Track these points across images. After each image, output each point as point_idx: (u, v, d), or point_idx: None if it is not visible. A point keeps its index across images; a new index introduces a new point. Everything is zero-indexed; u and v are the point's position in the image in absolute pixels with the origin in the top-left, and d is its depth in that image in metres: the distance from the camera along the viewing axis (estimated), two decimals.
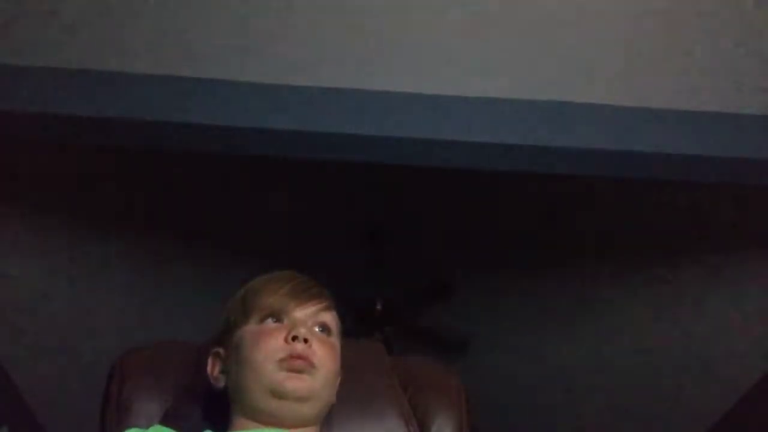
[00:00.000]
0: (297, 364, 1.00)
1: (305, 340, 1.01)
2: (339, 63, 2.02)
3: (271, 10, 1.89)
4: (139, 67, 2.03)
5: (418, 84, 2.06)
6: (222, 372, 1.06)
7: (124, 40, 1.98)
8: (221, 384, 1.06)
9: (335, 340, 1.08)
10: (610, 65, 1.99)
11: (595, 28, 1.91)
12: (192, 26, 1.94)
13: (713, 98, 2.06)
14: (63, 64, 2.02)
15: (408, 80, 2.05)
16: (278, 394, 0.99)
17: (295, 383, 1.00)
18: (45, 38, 1.97)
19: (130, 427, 1.08)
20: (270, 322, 1.05)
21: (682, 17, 1.87)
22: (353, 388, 1.14)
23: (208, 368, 1.08)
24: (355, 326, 2.99)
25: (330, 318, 1.08)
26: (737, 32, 1.89)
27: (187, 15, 1.91)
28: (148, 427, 1.06)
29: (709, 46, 1.93)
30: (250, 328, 1.05)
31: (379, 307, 3.12)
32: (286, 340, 1.01)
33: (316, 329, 1.05)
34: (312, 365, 1.01)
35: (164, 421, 1.09)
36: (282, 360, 1.00)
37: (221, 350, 1.07)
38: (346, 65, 2.02)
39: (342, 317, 1.11)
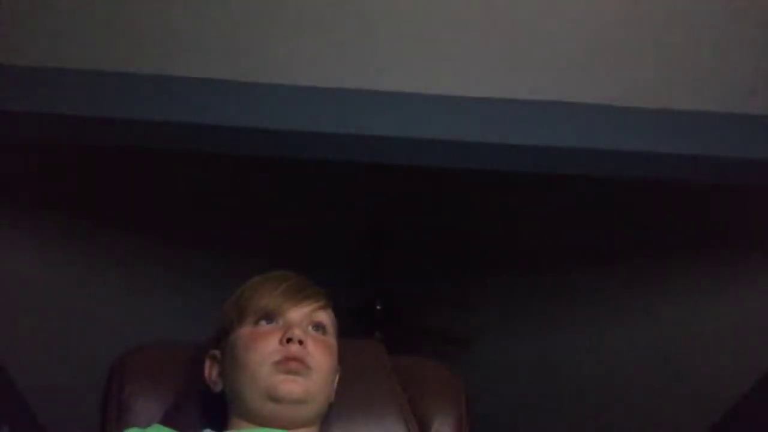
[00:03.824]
0: (292, 366, 0.99)
1: (300, 342, 1.01)
2: (339, 63, 2.02)
3: (272, 9, 1.89)
4: (139, 67, 2.03)
5: (418, 84, 2.06)
6: (219, 375, 1.06)
7: (125, 40, 1.98)
8: (219, 387, 1.05)
9: (331, 338, 1.07)
10: (609, 65, 1.99)
11: (594, 29, 1.91)
12: (192, 26, 1.94)
13: (713, 98, 2.06)
14: (63, 64, 2.02)
15: (409, 80, 2.05)
16: (274, 398, 0.99)
17: (291, 386, 0.99)
18: (45, 38, 1.97)
19: (130, 426, 1.08)
20: (264, 324, 1.04)
21: (681, 16, 1.87)
22: (353, 388, 1.14)
23: (206, 371, 1.07)
24: (355, 326, 2.99)
25: (325, 317, 1.07)
26: (738, 32, 1.90)
27: (187, 15, 1.91)
28: (148, 427, 1.06)
29: (708, 46, 1.93)
30: (245, 330, 1.04)
31: (379, 307, 3.12)
32: (280, 342, 1.00)
33: (312, 329, 1.05)
34: (307, 367, 1.00)
35: (164, 421, 1.09)
36: (277, 362, 0.99)
37: (217, 353, 1.07)
38: (346, 65, 2.02)
39: (341, 317, 1.11)
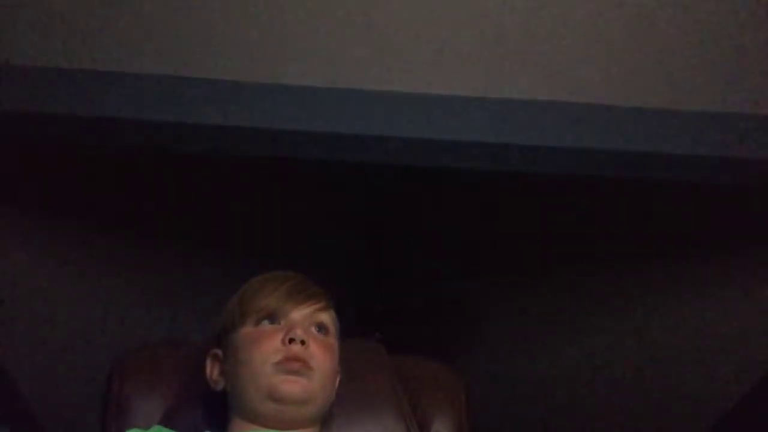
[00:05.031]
0: (294, 366, 0.99)
1: (302, 342, 1.01)
2: (337, 62, 2.02)
3: (269, 9, 1.89)
4: (139, 67, 2.03)
5: (418, 84, 2.05)
6: (220, 374, 1.06)
7: (125, 39, 1.98)
8: (220, 386, 1.06)
9: (333, 339, 1.07)
10: (609, 65, 1.99)
11: (595, 28, 1.91)
12: (191, 25, 1.94)
13: (713, 98, 2.06)
14: (63, 64, 2.02)
15: (409, 80, 2.05)
16: (275, 398, 0.99)
17: (292, 386, 0.99)
18: (45, 38, 1.97)
19: (130, 427, 1.08)
20: (266, 324, 1.04)
21: (681, 16, 1.87)
22: (353, 388, 1.14)
23: (207, 370, 1.07)
24: (355, 326, 2.98)
25: (327, 318, 1.07)
26: (739, 32, 1.89)
27: (186, 14, 1.91)
28: (148, 427, 1.06)
29: (709, 46, 1.93)
30: (247, 330, 1.04)
31: (379, 307, 3.12)
32: (282, 342, 1.00)
33: (314, 329, 1.05)
34: (309, 367, 1.00)
35: (164, 422, 1.09)
36: (279, 362, 0.99)
37: (219, 352, 1.07)
38: (345, 64, 2.02)
39: (342, 317, 1.11)
